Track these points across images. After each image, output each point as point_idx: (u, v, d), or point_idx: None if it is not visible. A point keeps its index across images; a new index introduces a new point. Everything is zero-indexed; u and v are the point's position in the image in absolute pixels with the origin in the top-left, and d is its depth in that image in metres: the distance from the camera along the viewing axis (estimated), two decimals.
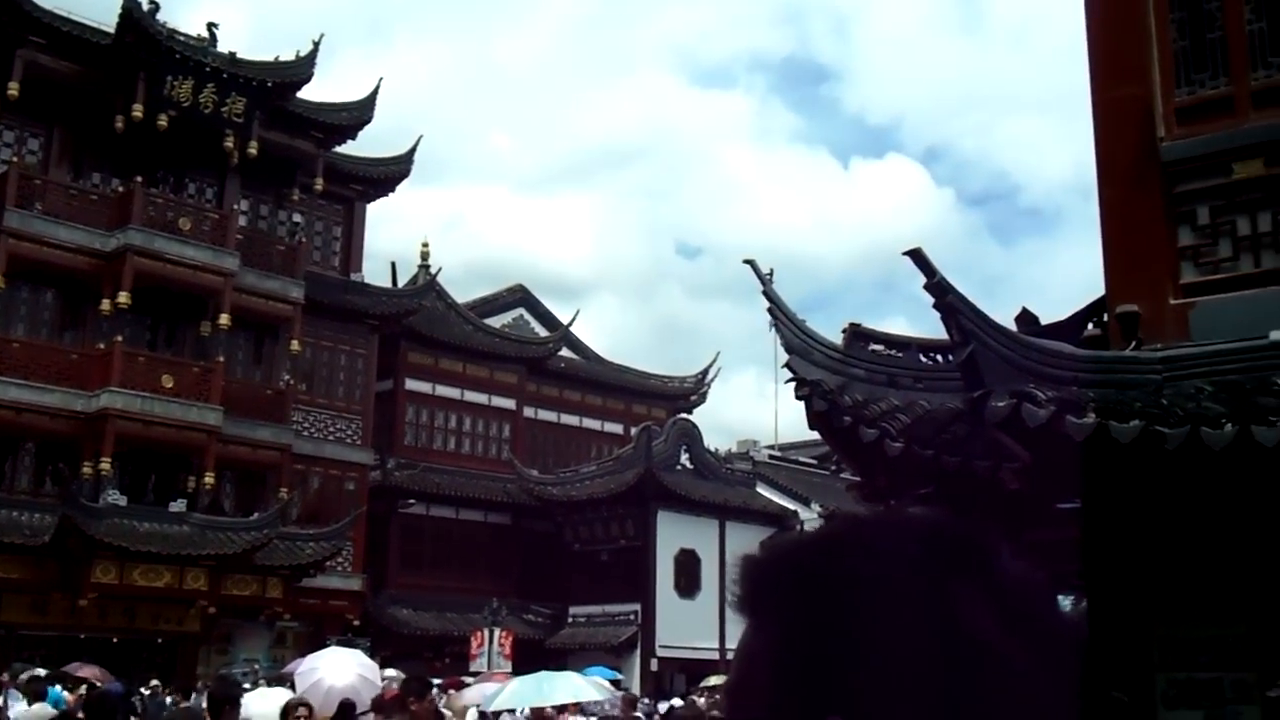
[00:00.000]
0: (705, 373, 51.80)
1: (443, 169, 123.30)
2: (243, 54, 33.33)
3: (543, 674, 18.82)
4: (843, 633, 0.78)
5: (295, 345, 34.10)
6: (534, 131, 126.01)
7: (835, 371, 10.11)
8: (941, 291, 7.77)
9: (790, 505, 43.46)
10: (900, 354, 10.46)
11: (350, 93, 37.67)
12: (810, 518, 41.06)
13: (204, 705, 12.61)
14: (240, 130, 33.07)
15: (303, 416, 35.32)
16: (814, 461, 44.76)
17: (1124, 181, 8.84)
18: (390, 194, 40.04)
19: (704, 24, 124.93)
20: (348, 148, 37.47)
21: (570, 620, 40.91)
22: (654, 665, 38.27)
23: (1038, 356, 7.74)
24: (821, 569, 0.81)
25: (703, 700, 23.15)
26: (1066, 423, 7.13)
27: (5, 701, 15.71)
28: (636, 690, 30.39)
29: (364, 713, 11.96)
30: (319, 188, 35.67)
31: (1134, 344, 8.32)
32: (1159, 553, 8.00)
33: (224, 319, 32.04)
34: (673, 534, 39.75)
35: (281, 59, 34.55)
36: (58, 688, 17.04)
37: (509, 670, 27.28)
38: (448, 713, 15.91)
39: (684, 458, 42.37)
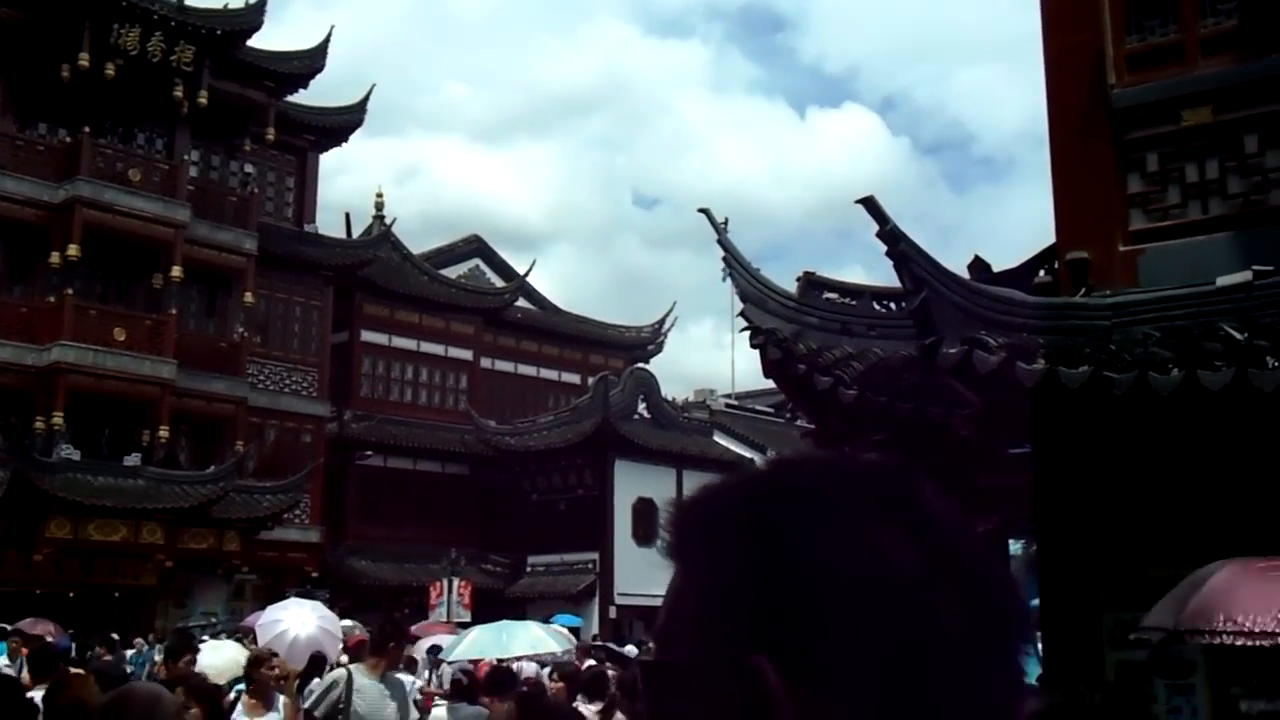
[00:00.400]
0: (662, 322, 51.86)
1: (398, 119, 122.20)
2: (191, 1, 32.79)
3: (503, 623, 18.86)
4: (766, 572, 0.78)
5: (249, 297, 33.82)
6: (490, 81, 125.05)
7: (790, 320, 10.16)
8: (894, 239, 7.81)
9: (747, 453, 43.65)
10: (854, 302, 10.50)
11: (302, 41, 37.24)
12: None
13: (156, 657, 12.61)
14: (189, 79, 32.56)
15: (258, 369, 35.08)
16: (770, 410, 44.96)
17: (1074, 129, 8.90)
18: (343, 144, 39.66)
19: None
20: (300, 97, 36.99)
21: (529, 570, 41.07)
22: (613, 613, 38.54)
23: (989, 303, 7.81)
24: (746, 510, 0.82)
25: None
26: (1017, 369, 7.21)
27: None
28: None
29: (330, 665, 11.98)
30: (271, 138, 35.23)
31: (1084, 290, 8.41)
32: (1108, 496, 8.13)
33: (176, 271, 31.67)
34: (630, 483, 39.89)
35: (231, 7, 34.02)
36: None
37: (450, 621, 27.41)
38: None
39: (641, 407, 42.47)
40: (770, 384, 11.73)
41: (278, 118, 35.48)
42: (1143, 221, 8.67)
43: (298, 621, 13.86)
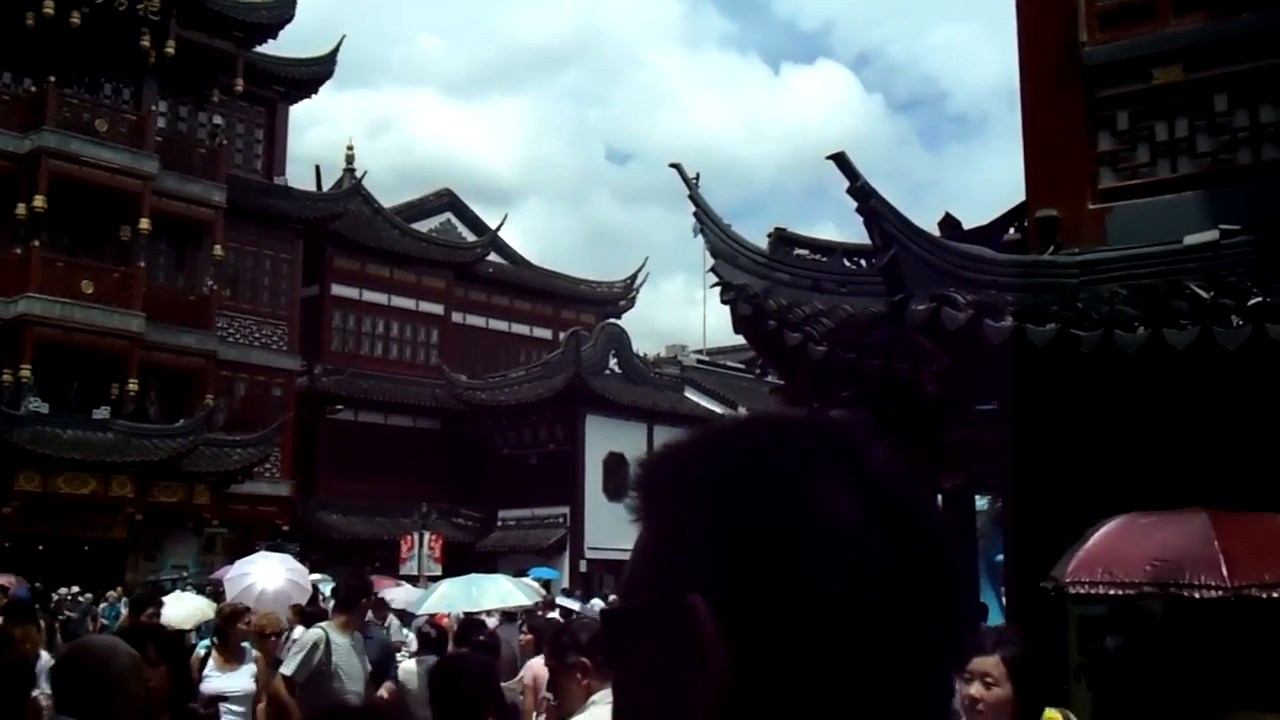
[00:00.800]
0: (634, 278, 51.79)
1: (369, 71, 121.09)
2: None
3: (472, 576, 18.88)
4: (708, 519, 0.81)
5: (218, 250, 33.61)
6: (463, 34, 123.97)
7: (760, 276, 10.17)
8: (864, 196, 7.81)
9: (718, 409, 43.76)
10: (825, 259, 10.52)
11: None
12: None
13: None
14: (156, 28, 32.16)
15: (227, 323, 34.93)
16: (741, 366, 45.03)
17: (1046, 86, 8.89)
18: (313, 96, 39.34)
19: None
20: (269, 48, 36.61)
21: (500, 524, 41.18)
22: (583, 567, 38.73)
23: (957, 260, 7.83)
24: (695, 464, 0.85)
25: None
26: (984, 326, 7.24)
27: None
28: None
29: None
30: (239, 89, 34.89)
31: (1052, 248, 8.44)
32: (1075, 452, 8.19)
33: (144, 223, 31.41)
34: (601, 438, 40.00)
35: None
36: None
37: (422, 575, 27.50)
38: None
39: (612, 363, 42.52)
40: (741, 340, 11.76)
41: (247, 69, 35.11)
42: (1112, 180, 8.69)
43: (266, 575, 13.83)
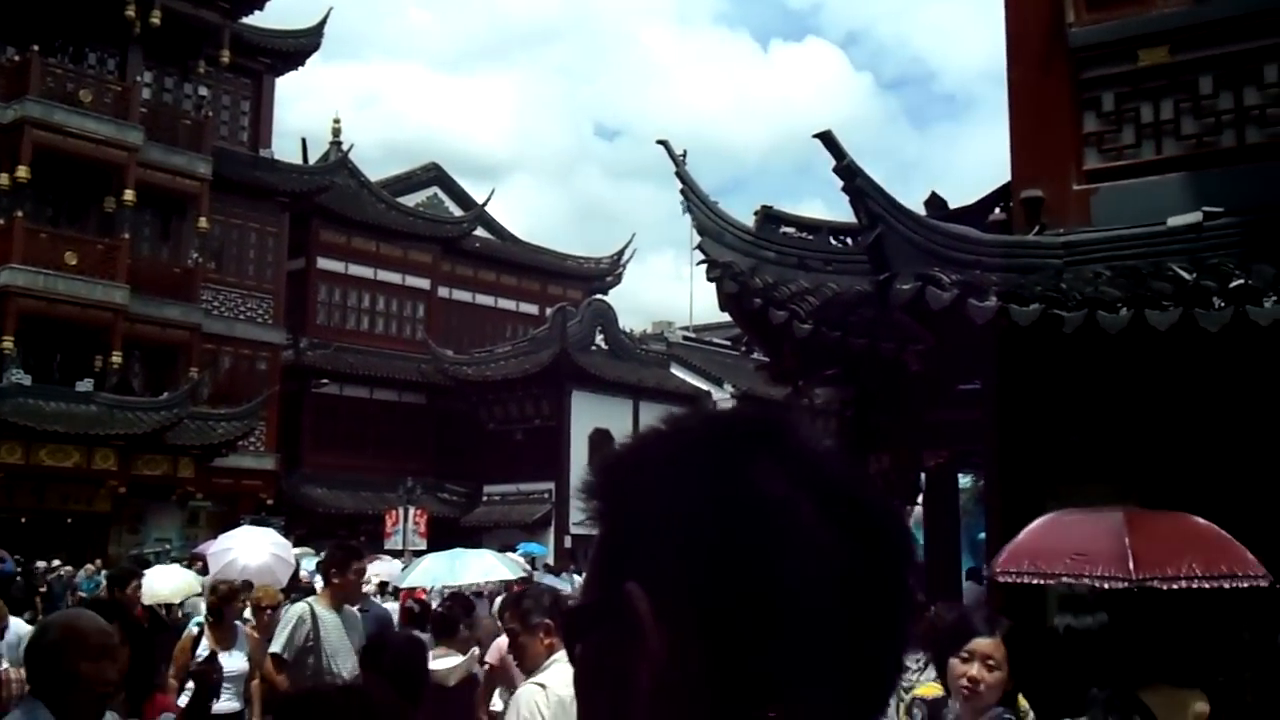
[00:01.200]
0: (621, 254, 51.72)
1: (357, 45, 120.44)
2: None
3: (455, 551, 18.90)
4: (644, 509, 0.84)
5: (203, 222, 33.46)
6: (452, 7, 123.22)
7: (747, 254, 10.17)
8: (850, 174, 7.82)
9: (703, 386, 43.85)
10: (811, 237, 10.52)
11: None
12: (723, 398, 41.47)
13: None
14: None
15: (212, 295, 34.80)
16: (727, 343, 45.01)
17: (1032, 67, 8.91)
18: (300, 68, 39.06)
19: None
20: (256, 19, 36.37)
21: (485, 499, 41.21)
22: (568, 542, 38.75)
23: (943, 240, 7.85)
24: (633, 466, 0.88)
25: None
26: (969, 306, 7.27)
27: None
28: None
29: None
30: (225, 60, 34.68)
31: (1037, 228, 8.47)
32: (1057, 432, 8.24)
33: (129, 195, 31.23)
34: (587, 414, 40.00)
35: None
36: None
37: (385, 551, 27.45)
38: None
39: (599, 338, 42.50)
40: (728, 317, 11.77)
41: (232, 40, 34.89)
42: (1097, 161, 8.72)
43: (249, 549, 13.79)
